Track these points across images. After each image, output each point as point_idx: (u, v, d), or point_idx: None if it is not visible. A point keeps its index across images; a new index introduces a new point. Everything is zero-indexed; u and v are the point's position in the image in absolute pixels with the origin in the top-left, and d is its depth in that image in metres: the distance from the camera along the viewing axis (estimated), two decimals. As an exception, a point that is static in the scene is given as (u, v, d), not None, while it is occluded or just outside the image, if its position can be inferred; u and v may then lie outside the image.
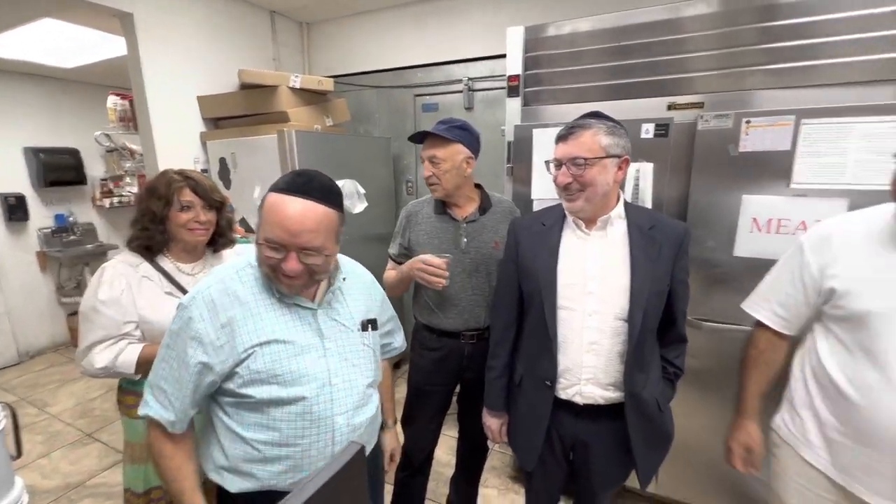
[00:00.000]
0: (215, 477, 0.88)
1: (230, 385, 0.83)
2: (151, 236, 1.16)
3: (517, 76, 1.74)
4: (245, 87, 2.30)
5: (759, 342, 1.09)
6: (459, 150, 1.31)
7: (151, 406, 0.84)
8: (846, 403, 0.91)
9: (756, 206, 1.37)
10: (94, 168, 3.80)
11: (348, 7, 2.71)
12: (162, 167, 1.58)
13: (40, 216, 3.52)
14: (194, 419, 0.89)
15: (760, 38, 1.42)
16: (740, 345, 1.15)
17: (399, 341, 1.19)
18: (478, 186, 1.42)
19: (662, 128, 1.47)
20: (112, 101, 2.75)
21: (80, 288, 3.68)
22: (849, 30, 1.31)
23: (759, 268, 1.18)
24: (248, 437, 0.84)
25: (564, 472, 1.21)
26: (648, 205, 1.48)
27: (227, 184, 2.37)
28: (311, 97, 2.36)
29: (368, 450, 0.98)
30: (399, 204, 2.88)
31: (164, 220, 1.16)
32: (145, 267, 1.18)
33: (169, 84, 2.22)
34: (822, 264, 0.95)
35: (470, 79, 2.58)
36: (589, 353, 1.05)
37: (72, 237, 3.66)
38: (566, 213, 1.10)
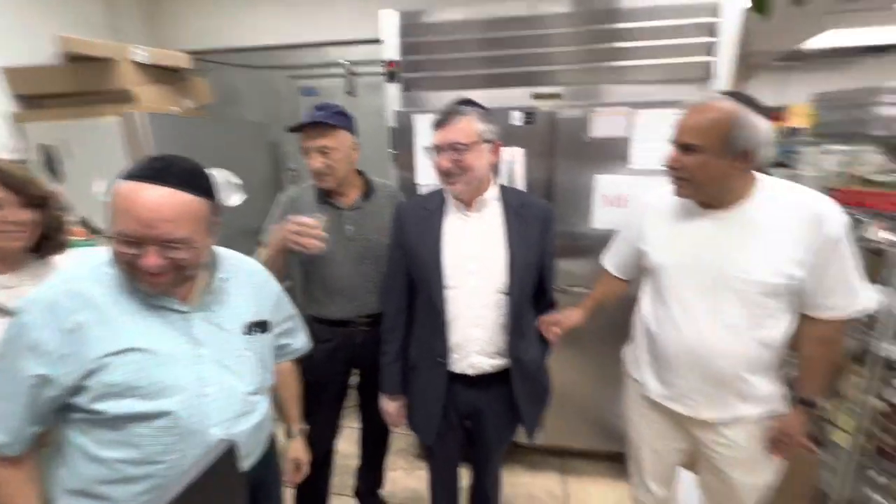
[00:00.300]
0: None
1: (79, 400, 0.72)
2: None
3: (395, 61, 1.74)
4: (74, 59, 1.91)
5: (605, 278, 1.35)
6: (347, 137, 1.28)
7: None
8: (651, 336, 1.16)
9: (605, 184, 1.61)
10: None
11: (204, -27, 2.40)
12: (-48, 157, 1.25)
13: None
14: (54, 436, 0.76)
15: (603, 38, 1.63)
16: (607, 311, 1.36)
17: (301, 341, 1.14)
18: (359, 172, 1.40)
19: (530, 116, 1.62)
20: None
21: None
22: (666, 35, 1.58)
23: (611, 237, 1.38)
24: (103, 457, 0.74)
25: (462, 440, 1.30)
26: (521, 187, 1.62)
27: (57, 176, 1.96)
28: (162, 75, 2.05)
29: (256, 457, 0.94)
30: (282, 195, 2.69)
31: (-38, 224, 0.93)
32: None
33: (-43, 50, 1.74)
34: (640, 228, 1.19)
35: (350, 62, 2.50)
36: (476, 326, 1.13)
37: None
38: (447, 196, 1.16)
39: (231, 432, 0.83)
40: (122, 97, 1.88)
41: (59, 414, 0.76)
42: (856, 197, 1.36)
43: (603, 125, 1.56)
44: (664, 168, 1.05)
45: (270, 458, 1.03)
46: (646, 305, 1.20)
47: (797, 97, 2.41)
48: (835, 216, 0.94)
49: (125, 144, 1.82)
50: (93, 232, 1.74)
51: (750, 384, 1.04)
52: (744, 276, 0.98)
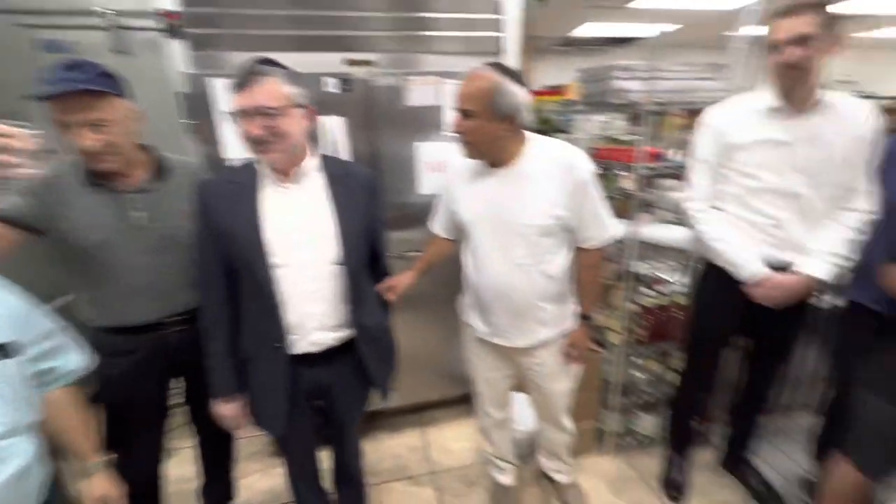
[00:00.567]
0: None
1: None
2: None
3: (175, 13, 1.46)
4: None
5: (434, 240, 1.46)
6: (123, 105, 1.03)
7: None
8: (471, 283, 1.33)
9: (426, 151, 1.70)
10: None
11: None
12: None
13: None
14: None
15: (409, 6, 1.66)
16: (439, 269, 1.46)
17: (74, 361, 0.92)
18: (144, 148, 1.16)
19: (347, 84, 1.57)
20: None
21: None
22: (460, 9, 1.70)
23: (436, 201, 1.47)
24: None
25: (314, 423, 1.26)
26: (345, 157, 1.58)
27: None
28: None
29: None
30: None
31: None
32: None
33: None
34: (450, 191, 1.33)
35: (114, 11, 1.98)
36: (313, 302, 1.09)
37: None
38: (259, 168, 1.05)
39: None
40: None
41: None
42: (608, 153, 1.76)
43: (417, 94, 1.62)
44: (452, 133, 1.17)
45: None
46: (465, 257, 1.35)
47: (572, 76, 2.94)
48: (582, 164, 1.16)
49: None
50: None
51: (545, 311, 1.28)
52: (524, 221, 1.17)
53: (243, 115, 0.95)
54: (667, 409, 1.87)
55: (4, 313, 0.76)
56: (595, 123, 2.18)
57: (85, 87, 0.95)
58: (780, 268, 1.33)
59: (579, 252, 1.28)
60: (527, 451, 1.90)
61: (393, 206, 1.78)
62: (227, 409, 1.14)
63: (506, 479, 1.68)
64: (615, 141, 1.91)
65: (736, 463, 1.81)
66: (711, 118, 1.39)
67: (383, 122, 1.66)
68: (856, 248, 1.30)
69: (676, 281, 1.94)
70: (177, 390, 1.31)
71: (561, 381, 1.43)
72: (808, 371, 2.03)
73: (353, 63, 1.65)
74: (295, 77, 1.00)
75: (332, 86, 1.54)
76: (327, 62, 1.60)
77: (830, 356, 1.61)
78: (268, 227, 1.03)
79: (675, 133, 1.84)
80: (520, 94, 1.10)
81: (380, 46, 1.67)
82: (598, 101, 1.80)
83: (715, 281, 1.48)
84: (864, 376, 1.22)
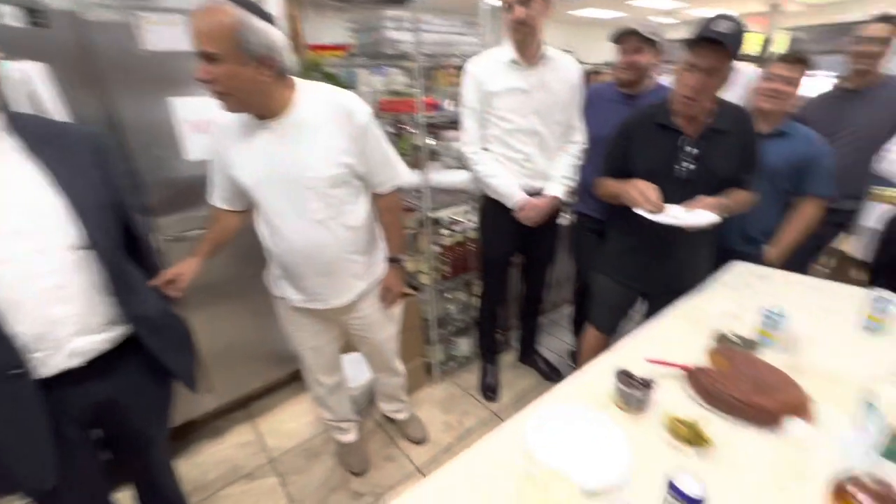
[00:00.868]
0: None
1: None
2: None
3: None
4: None
5: (217, 215, 1.26)
6: None
7: None
8: (272, 252, 1.24)
9: (183, 108, 1.41)
10: None
11: None
12: None
13: None
14: None
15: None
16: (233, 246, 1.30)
17: None
18: None
19: (37, 15, 1.15)
20: None
21: None
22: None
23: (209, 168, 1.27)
24: None
25: (99, 456, 1.00)
26: (57, 116, 1.18)
27: None
28: None
29: None
30: None
31: None
32: None
33: None
34: (221, 153, 1.14)
35: None
36: (58, 302, 0.82)
37: None
38: None
39: None
40: None
41: None
42: (391, 105, 1.82)
43: (157, 36, 1.32)
44: (200, 83, 0.98)
45: None
46: (259, 226, 1.23)
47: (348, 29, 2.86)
48: (360, 107, 1.11)
49: None
50: None
51: (356, 263, 1.28)
52: (311, 175, 1.09)
53: None
54: (475, 330, 2.19)
55: None
56: (378, 79, 2.23)
57: None
58: (534, 193, 1.67)
59: (376, 197, 1.29)
60: (364, 403, 1.96)
61: (158, 183, 1.46)
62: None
63: (349, 437, 1.71)
64: (397, 94, 1.99)
65: (528, 356, 2.28)
66: (472, 68, 1.58)
67: (115, 72, 1.30)
68: (577, 171, 1.72)
69: (467, 219, 2.22)
70: None
71: (385, 328, 1.49)
72: (565, 273, 2.66)
73: (43, -12, 1.21)
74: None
75: (10, 17, 1.10)
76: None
77: (574, 257, 2.14)
78: None
79: (448, 87, 2.04)
80: (271, 32, 0.98)
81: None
82: (372, 51, 1.81)
83: (493, 212, 1.75)
84: (595, 265, 1.67)
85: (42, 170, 0.81)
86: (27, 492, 0.90)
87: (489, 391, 2.09)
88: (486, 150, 1.66)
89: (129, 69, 1.31)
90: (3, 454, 0.84)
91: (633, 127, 1.39)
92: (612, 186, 1.41)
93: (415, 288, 2.01)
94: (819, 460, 0.59)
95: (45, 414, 0.83)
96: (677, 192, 1.26)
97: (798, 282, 1.46)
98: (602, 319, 1.67)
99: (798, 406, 0.84)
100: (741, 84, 2.02)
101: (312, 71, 1.79)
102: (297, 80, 1.10)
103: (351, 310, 1.36)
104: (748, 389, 0.87)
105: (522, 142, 1.61)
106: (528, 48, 1.51)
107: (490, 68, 1.56)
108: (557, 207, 1.76)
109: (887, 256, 1.79)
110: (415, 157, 1.86)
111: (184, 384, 1.09)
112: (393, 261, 1.40)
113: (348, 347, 1.91)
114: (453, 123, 1.85)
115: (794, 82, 1.49)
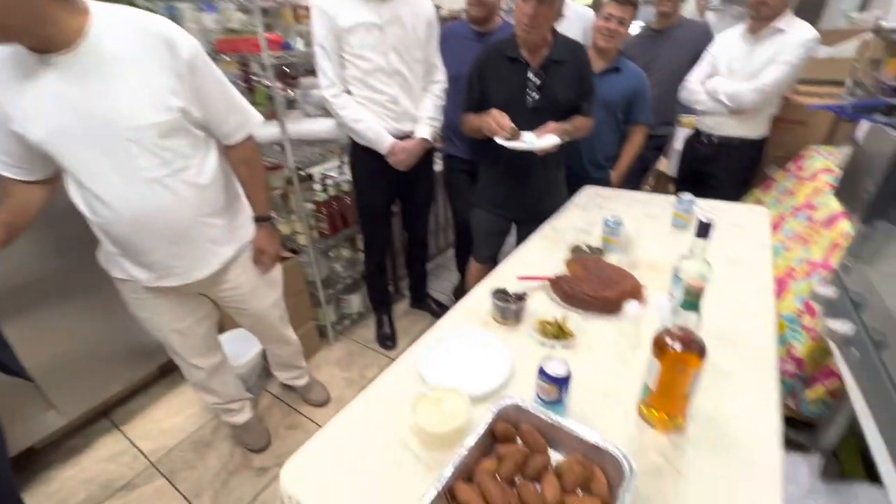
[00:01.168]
0: None
1: None
2: None
3: None
4: None
5: (8, 190, 0.98)
6: None
7: None
8: (98, 225, 1.01)
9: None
10: None
11: None
12: None
13: None
14: None
15: None
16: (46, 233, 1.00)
17: None
18: None
19: None
20: None
21: None
22: None
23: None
24: None
25: None
26: None
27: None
28: None
29: None
30: None
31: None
32: None
33: None
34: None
35: None
36: None
37: None
38: None
39: None
40: None
41: None
42: (230, 45, 1.58)
43: None
44: None
45: None
46: (73, 195, 0.99)
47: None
48: (181, 37, 0.93)
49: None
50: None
51: (214, 227, 1.11)
52: (130, 123, 0.89)
53: None
54: (364, 285, 2.17)
55: None
56: (209, 16, 1.89)
57: None
58: (403, 137, 1.64)
59: (228, 151, 1.13)
60: (254, 378, 1.84)
61: None
62: None
63: (243, 416, 1.59)
64: (232, 31, 1.72)
65: (420, 300, 2.36)
66: (318, 1, 1.43)
67: None
68: (441, 111, 1.74)
69: (338, 171, 2.11)
70: None
71: (266, 296, 1.38)
72: (447, 218, 2.76)
73: None
74: None
75: None
76: None
77: (449, 200, 2.21)
78: None
79: (296, 25, 1.83)
80: None
81: None
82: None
83: (365, 161, 1.69)
84: (471, 200, 1.75)
85: None
86: None
87: (387, 340, 2.12)
88: (348, 93, 1.57)
89: None
90: None
91: (486, 62, 1.45)
92: (474, 121, 1.47)
93: (294, 251, 1.88)
94: (648, 329, 0.74)
95: None
96: (528, 120, 1.37)
97: (631, 197, 1.73)
98: (481, 251, 1.79)
99: (633, 292, 1.02)
100: (579, 27, 2.21)
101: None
102: (91, 2, 0.87)
103: (219, 281, 1.21)
104: (597, 286, 1.03)
105: (384, 83, 1.54)
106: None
107: (338, 2, 1.43)
108: (429, 150, 1.77)
109: (687, 170, 2.23)
110: (271, 109, 1.66)
111: (15, 376, 0.94)
112: (261, 220, 1.26)
113: (231, 325, 1.75)
114: (311, 72, 1.69)
115: (626, 22, 1.67)
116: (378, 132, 1.58)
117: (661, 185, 2.88)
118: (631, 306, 0.91)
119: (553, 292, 1.08)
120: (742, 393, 0.78)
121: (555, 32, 1.39)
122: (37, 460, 1.53)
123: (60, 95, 0.86)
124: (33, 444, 1.49)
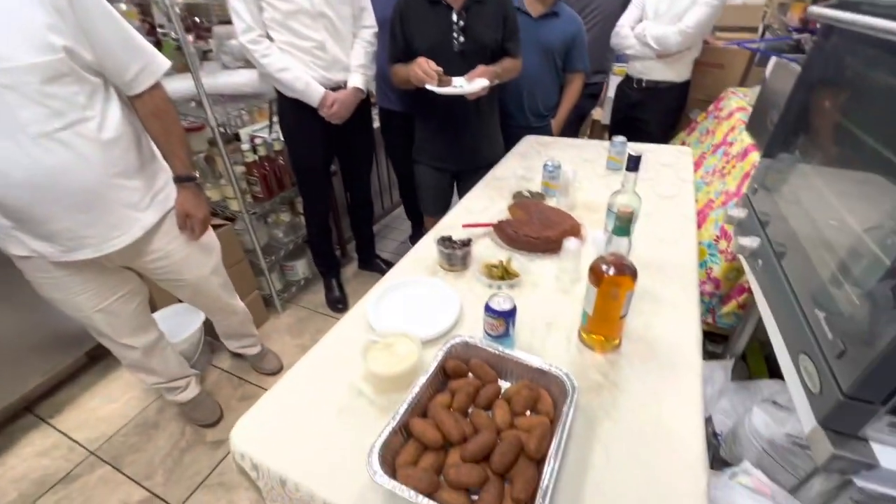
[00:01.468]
0: None
1: None
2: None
3: None
4: None
5: None
6: None
7: None
8: None
9: None
10: None
11: None
12: None
13: None
14: None
15: None
16: None
17: None
18: None
19: None
20: None
21: None
22: None
23: None
24: None
25: None
26: None
27: None
28: None
29: None
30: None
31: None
32: None
33: None
34: None
35: None
36: None
37: None
38: None
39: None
40: None
41: None
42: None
43: None
44: None
45: None
46: None
47: None
48: None
49: None
50: None
51: (128, 188, 1.00)
52: (4, 65, 0.77)
53: None
54: (308, 249, 2.09)
55: None
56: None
57: None
58: (335, 88, 1.54)
59: (134, 102, 1.00)
60: (197, 352, 1.75)
61: None
62: None
63: (189, 393, 1.52)
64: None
65: (369, 261, 2.32)
66: None
67: None
68: (373, 58, 1.64)
69: (267, 129, 1.96)
70: None
71: (201, 263, 1.28)
72: (392, 177, 2.68)
73: None
74: None
75: None
76: None
77: (388, 157, 2.14)
78: None
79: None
80: None
81: None
82: None
83: (296, 115, 1.57)
84: (413, 157, 1.70)
85: None
86: None
87: (338, 304, 2.09)
88: (268, 38, 1.43)
89: None
90: None
91: (406, 7, 1.38)
92: (401, 72, 1.40)
93: (229, 218, 1.76)
94: (586, 263, 0.77)
95: None
96: (457, 65, 1.34)
97: (569, 144, 1.77)
98: (429, 205, 1.77)
99: (573, 231, 1.06)
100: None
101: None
102: None
103: (144, 251, 1.11)
104: (539, 228, 1.06)
105: (308, 26, 1.42)
106: None
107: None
108: (365, 101, 1.68)
109: (619, 115, 2.31)
110: (182, 62, 1.48)
111: None
112: (182, 180, 1.13)
113: (165, 301, 1.64)
114: (227, 21, 1.50)
115: None
116: (307, 82, 1.47)
117: (597, 133, 2.98)
118: (570, 243, 0.95)
119: (497, 237, 1.09)
120: (669, 313, 0.85)
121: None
122: (-48, 466, 1.39)
123: None
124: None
